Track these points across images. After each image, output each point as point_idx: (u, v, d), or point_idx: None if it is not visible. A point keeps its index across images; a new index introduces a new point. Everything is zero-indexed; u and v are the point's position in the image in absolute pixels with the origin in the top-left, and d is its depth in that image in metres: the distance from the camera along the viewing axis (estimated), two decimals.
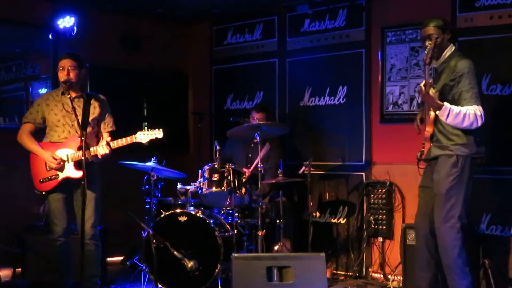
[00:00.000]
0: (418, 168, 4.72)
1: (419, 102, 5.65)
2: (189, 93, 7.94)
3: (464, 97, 4.28)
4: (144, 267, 5.35)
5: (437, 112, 4.35)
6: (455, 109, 4.26)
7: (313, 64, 6.61)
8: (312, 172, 5.76)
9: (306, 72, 6.67)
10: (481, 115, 4.25)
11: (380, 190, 5.99)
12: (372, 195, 6.03)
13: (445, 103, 4.28)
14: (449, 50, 4.45)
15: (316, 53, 6.56)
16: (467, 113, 4.23)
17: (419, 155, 4.64)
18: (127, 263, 5.98)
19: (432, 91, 4.28)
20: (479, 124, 4.25)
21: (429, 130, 4.52)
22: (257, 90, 7.12)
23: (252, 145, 6.14)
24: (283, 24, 6.86)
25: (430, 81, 4.29)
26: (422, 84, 4.35)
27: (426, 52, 4.30)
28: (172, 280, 5.23)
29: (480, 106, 4.26)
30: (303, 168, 5.73)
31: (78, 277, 4.32)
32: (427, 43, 4.36)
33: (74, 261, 4.85)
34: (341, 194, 6.38)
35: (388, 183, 5.94)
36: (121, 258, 6.57)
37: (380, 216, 5.96)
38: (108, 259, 6.15)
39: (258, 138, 5.36)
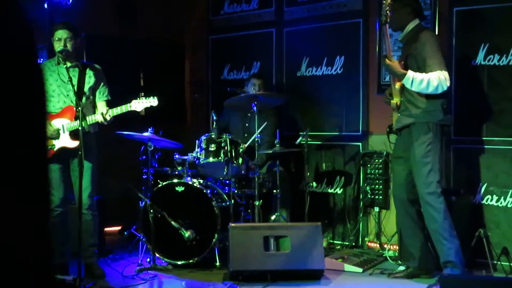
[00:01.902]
0: (389, 142, 5.10)
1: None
2: (186, 63, 7.89)
3: (427, 64, 4.45)
4: (141, 237, 5.38)
5: (402, 81, 4.50)
6: (419, 75, 4.42)
7: (310, 34, 6.55)
8: (309, 142, 5.77)
9: (303, 42, 6.62)
10: (445, 78, 4.39)
11: (376, 160, 5.98)
12: (368, 165, 6.04)
13: (409, 71, 4.45)
14: (413, 23, 4.68)
15: (314, 23, 6.50)
16: (431, 78, 4.39)
17: (388, 129, 4.98)
18: (125, 233, 6.00)
19: (394, 61, 4.51)
20: (445, 87, 4.42)
21: (396, 100, 4.74)
22: (254, 60, 7.07)
23: (249, 115, 6.13)
24: None
25: (391, 53, 4.58)
26: (384, 55, 4.59)
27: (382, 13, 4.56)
28: (169, 250, 5.27)
29: (444, 71, 4.40)
30: (300, 138, 5.74)
31: (76, 246, 4.34)
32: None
33: (71, 231, 4.89)
34: (338, 164, 6.39)
35: (385, 153, 5.93)
36: (118, 228, 6.61)
37: (377, 186, 5.97)
38: (106, 229, 6.19)
39: (255, 108, 5.35)
